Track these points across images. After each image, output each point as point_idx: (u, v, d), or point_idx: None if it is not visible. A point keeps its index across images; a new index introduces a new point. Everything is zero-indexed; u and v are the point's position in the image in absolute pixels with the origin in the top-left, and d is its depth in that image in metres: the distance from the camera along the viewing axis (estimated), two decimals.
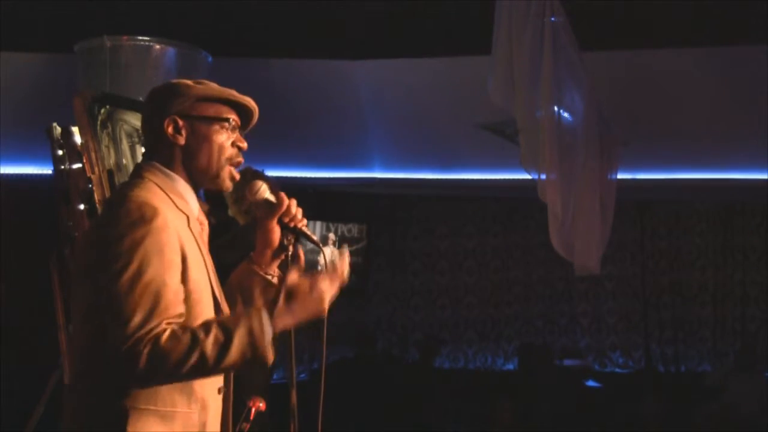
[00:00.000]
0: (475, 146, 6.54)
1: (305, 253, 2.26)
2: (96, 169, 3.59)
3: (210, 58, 4.75)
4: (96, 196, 3.57)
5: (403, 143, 6.89)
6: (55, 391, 3.93)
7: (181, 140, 2.10)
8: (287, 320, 2.03)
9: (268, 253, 2.25)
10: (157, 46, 4.48)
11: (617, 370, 8.67)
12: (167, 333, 1.90)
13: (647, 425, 6.99)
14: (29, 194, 6.37)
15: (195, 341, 1.90)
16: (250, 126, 2.23)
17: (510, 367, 8.74)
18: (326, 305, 2.06)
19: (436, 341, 8.55)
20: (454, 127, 6.27)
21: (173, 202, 2.06)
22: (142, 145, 3.82)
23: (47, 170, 5.97)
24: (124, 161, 3.77)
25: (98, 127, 3.70)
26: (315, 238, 2.35)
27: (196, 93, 2.12)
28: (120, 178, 3.68)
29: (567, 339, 8.78)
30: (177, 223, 2.03)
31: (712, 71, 5.32)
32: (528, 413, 6.98)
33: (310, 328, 2.18)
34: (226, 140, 2.13)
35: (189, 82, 2.16)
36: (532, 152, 4.03)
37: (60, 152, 3.70)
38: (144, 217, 1.96)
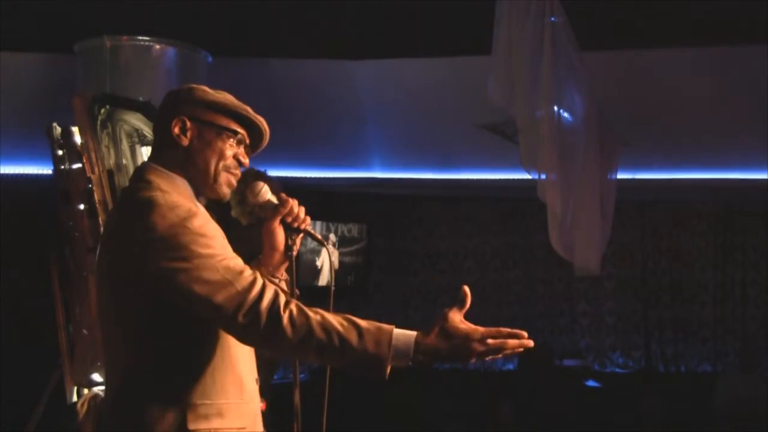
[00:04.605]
0: (475, 146, 6.54)
1: (306, 253, 2.27)
2: (96, 169, 3.59)
3: (210, 58, 4.75)
4: (96, 196, 3.57)
5: (403, 143, 6.89)
6: (55, 391, 3.93)
7: (185, 141, 2.09)
8: (429, 356, 1.94)
9: (276, 255, 2.24)
10: (157, 46, 4.48)
11: (617, 370, 8.66)
12: (293, 303, 1.91)
13: (647, 425, 7.00)
14: (29, 194, 6.37)
15: (326, 322, 1.90)
16: (260, 148, 2.22)
17: (510, 367, 8.73)
18: (472, 360, 1.93)
19: None
20: (454, 127, 6.27)
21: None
22: (143, 144, 3.83)
23: (47, 170, 5.98)
24: (124, 161, 3.77)
25: (98, 127, 3.70)
26: (319, 236, 2.36)
27: (212, 100, 2.11)
28: (120, 178, 3.68)
29: (567, 339, 8.78)
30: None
31: (712, 71, 5.31)
32: (528, 413, 6.98)
33: None
34: (229, 151, 2.12)
35: (207, 89, 2.15)
36: (532, 152, 4.02)
37: (60, 152, 3.71)
38: (188, 213, 1.98)
